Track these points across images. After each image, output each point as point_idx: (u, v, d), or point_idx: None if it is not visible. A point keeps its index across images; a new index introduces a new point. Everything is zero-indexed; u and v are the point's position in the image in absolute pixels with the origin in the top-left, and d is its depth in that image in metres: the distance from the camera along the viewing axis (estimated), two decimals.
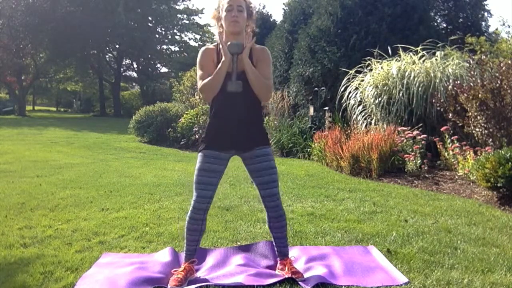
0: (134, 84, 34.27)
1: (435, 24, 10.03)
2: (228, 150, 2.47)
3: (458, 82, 5.85)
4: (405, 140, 5.89)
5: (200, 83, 2.42)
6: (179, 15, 29.98)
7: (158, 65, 31.41)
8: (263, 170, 2.45)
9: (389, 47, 7.36)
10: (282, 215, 2.51)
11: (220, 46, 2.43)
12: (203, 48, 2.53)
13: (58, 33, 23.58)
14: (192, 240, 2.48)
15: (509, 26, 15.03)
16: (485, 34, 10.17)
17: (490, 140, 5.25)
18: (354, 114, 7.30)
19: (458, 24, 10.78)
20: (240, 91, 2.36)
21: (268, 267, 2.64)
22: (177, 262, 2.64)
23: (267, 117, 9.43)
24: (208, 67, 2.44)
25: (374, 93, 6.80)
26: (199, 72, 2.45)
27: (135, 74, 32.18)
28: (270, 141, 2.55)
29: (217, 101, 2.44)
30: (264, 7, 21.28)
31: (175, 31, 30.47)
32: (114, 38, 27.35)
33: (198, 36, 31.71)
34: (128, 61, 31.38)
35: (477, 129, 5.35)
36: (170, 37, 30.17)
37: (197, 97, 11.94)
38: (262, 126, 2.56)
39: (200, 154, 2.47)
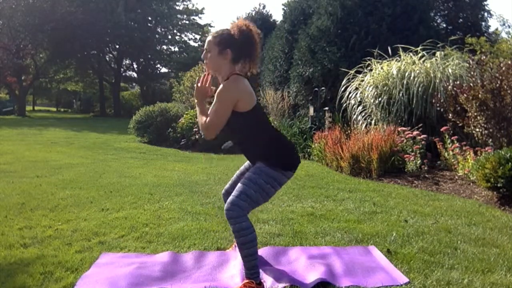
0: (134, 84, 34.33)
1: (435, 24, 10.04)
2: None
3: (458, 82, 5.85)
4: (405, 140, 5.89)
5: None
6: (179, 15, 30.04)
7: (158, 65, 31.48)
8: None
9: (389, 47, 7.37)
10: (236, 231, 2.21)
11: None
12: None
13: (58, 33, 23.61)
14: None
15: (509, 26, 14.96)
16: (485, 34, 10.18)
17: (490, 140, 5.25)
18: (354, 114, 7.30)
19: (458, 25, 10.80)
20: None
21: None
22: (177, 263, 2.64)
23: None
24: None
25: (374, 93, 6.81)
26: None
27: (135, 74, 32.27)
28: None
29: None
30: (264, 7, 21.19)
31: (175, 31, 30.53)
32: (114, 38, 27.39)
33: (198, 36, 31.78)
34: (128, 61, 31.46)
35: (477, 129, 5.35)
36: (170, 37, 30.23)
37: None
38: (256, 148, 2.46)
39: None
